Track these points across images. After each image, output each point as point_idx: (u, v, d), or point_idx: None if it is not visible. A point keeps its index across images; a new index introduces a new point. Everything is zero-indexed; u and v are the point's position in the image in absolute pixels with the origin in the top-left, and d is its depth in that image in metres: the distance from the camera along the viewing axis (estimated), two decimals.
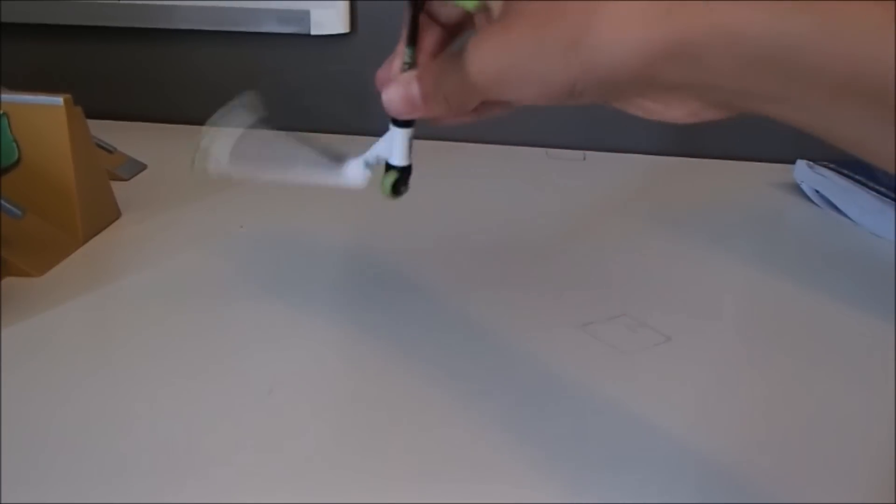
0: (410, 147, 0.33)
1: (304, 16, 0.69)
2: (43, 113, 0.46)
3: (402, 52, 0.31)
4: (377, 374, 0.36)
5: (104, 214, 0.51)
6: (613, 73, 0.25)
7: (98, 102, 0.56)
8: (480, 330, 0.39)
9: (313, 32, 0.69)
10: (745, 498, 0.29)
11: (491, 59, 0.27)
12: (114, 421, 0.32)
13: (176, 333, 0.39)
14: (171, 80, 0.75)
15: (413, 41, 0.31)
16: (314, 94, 0.74)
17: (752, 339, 0.41)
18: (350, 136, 0.72)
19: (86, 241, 0.48)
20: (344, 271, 0.48)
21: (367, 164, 0.34)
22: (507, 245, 0.49)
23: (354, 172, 0.35)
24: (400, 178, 0.33)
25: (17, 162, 0.47)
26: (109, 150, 0.59)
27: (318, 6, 0.68)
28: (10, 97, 0.47)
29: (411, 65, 0.31)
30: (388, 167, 0.33)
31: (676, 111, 0.27)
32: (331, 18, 0.69)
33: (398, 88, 0.30)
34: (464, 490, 0.29)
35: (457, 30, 0.33)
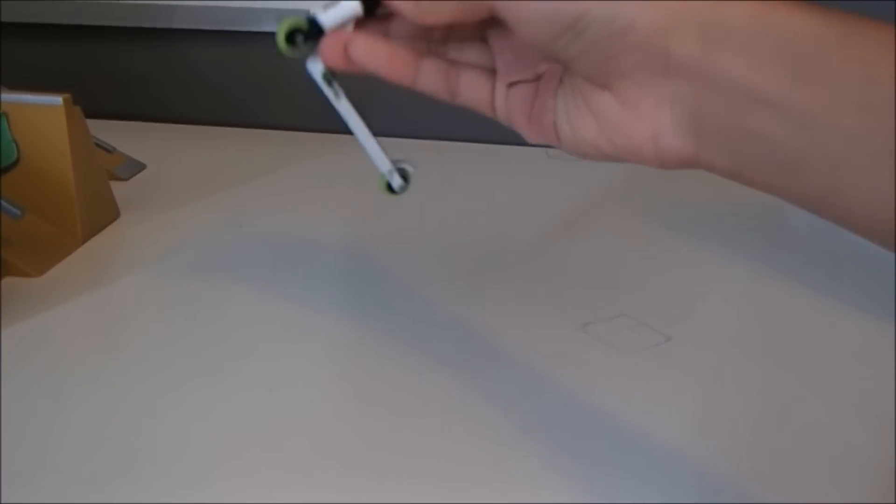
0: (345, 24, 0.28)
1: (304, 15, 0.69)
2: (42, 112, 0.46)
3: None
4: (377, 374, 0.36)
5: (103, 214, 0.51)
6: (633, 17, 0.23)
7: (97, 102, 0.56)
8: (480, 329, 0.39)
9: None
10: (745, 498, 0.29)
11: None
12: (114, 421, 0.32)
13: (175, 333, 0.39)
14: (170, 79, 0.75)
15: None
16: (314, 93, 0.74)
17: (751, 339, 0.41)
18: (350, 136, 0.72)
19: (85, 240, 0.48)
20: (344, 271, 0.48)
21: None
22: (506, 245, 0.49)
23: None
24: (307, 32, 0.28)
25: (17, 162, 0.47)
26: (109, 150, 0.59)
27: (319, 6, 0.68)
28: (9, 97, 0.47)
29: None
30: (306, 18, 0.29)
31: (642, 128, 0.25)
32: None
33: None
34: (463, 490, 0.29)
35: None
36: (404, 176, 0.32)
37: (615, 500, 0.29)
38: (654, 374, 0.36)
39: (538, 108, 0.28)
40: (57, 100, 0.46)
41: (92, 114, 0.50)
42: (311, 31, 0.28)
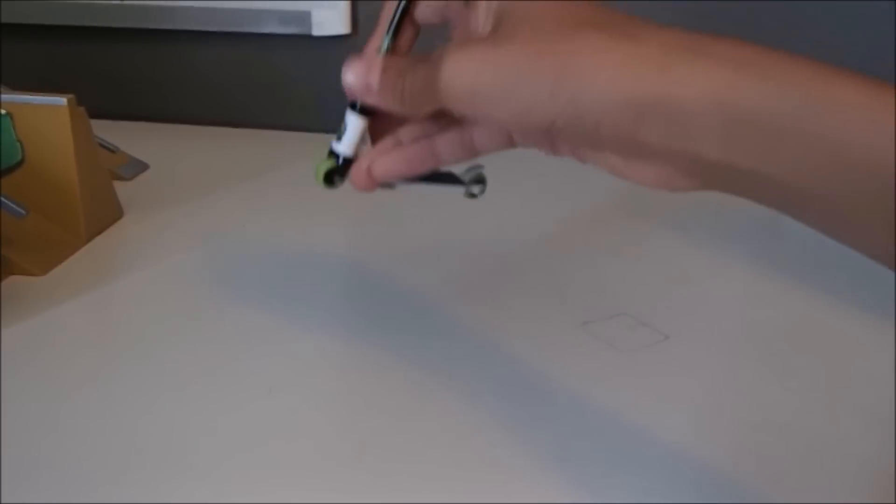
0: (360, 140, 0.31)
1: (306, 17, 0.69)
2: (46, 113, 0.47)
3: (376, 39, 0.31)
4: (377, 374, 0.36)
5: (107, 214, 0.51)
6: (597, 121, 0.24)
7: (101, 103, 0.56)
8: (479, 329, 0.40)
9: (314, 33, 0.69)
10: (745, 497, 0.29)
11: (472, 70, 0.26)
12: (115, 420, 0.32)
13: (178, 333, 0.39)
14: (173, 80, 0.76)
15: (396, 31, 0.30)
16: (315, 94, 0.74)
17: (750, 338, 0.41)
18: None
19: (88, 240, 0.48)
20: (344, 271, 0.48)
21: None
22: (506, 244, 0.49)
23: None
24: (337, 168, 0.31)
25: (21, 162, 0.47)
26: (112, 150, 0.60)
27: (320, 7, 0.69)
28: (13, 97, 0.47)
29: (385, 53, 0.30)
30: (330, 153, 0.32)
31: (648, 174, 0.26)
32: (332, 19, 0.69)
33: (360, 67, 0.29)
34: (462, 489, 0.29)
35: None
36: (481, 179, 0.34)
37: (614, 500, 0.29)
38: (652, 372, 0.37)
39: (552, 147, 0.29)
40: (61, 100, 0.46)
41: (95, 114, 0.50)
42: (341, 165, 0.31)
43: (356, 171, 0.31)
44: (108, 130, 0.58)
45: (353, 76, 0.30)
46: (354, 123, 0.31)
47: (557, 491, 0.29)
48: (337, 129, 0.31)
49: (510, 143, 0.31)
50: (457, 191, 0.34)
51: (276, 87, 0.74)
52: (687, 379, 0.36)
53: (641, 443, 0.32)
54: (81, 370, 0.36)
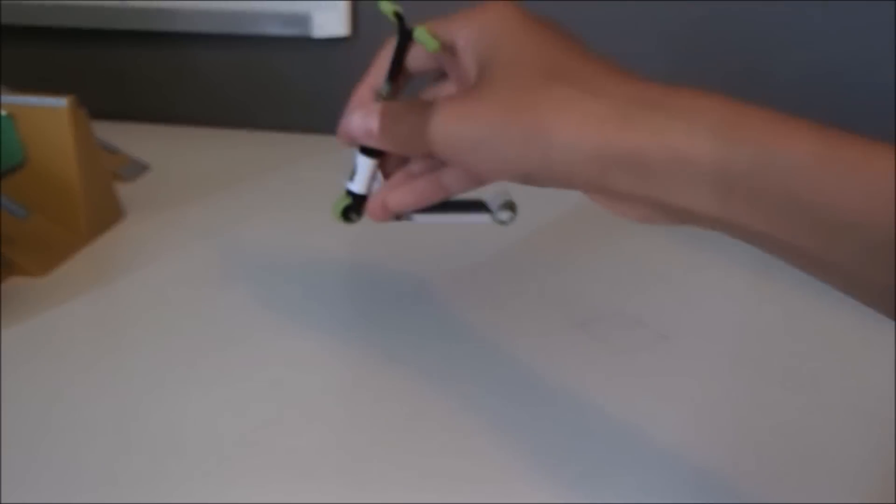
0: (372, 178, 0.34)
1: (306, 18, 0.69)
2: (47, 114, 0.47)
3: (371, 79, 0.33)
4: (377, 374, 0.36)
5: (108, 215, 0.51)
6: (568, 172, 0.26)
7: (102, 104, 0.56)
8: (477, 329, 0.40)
9: (315, 35, 0.69)
10: (744, 497, 0.29)
11: (455, 124, 0.28)
12: (115, 421, 0.32)
13: (179, 333, 0.39)
14: (174, 82, 0.76)
15: (394, 76, 0.32)
16: (316, 96, 0.74)
17: (749, 338, 0.41)
18: None
19: (89, 241, 0.48)
20: (344, 271, 0.48)
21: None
22: (504, 244, 0.49)
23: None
24: (352, 205, 0.34)
25: (22, 163, 0.48)
26: (113, 151, 0.60)
27: (320, 9, 0.69)
28: (15, 99, 0.47)
29: (386, 99, 0.32)
30: (346, 192, 0.34)
31: (633, 214, 0.27)
32: (332, 21, 0.69)
33: (360, 115, 0.31)
34: (461, 489, 0.29)
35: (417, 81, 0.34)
36: (510, 206, 0.35)
37: (613, 500, 0.29)
38: (650, 372, 0.37)
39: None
40: (62, 102, 0.47)
41: (96, 115, 0.50)
42: (356, 202, 0.34)
43: (372, 204, 0.34)
44: (109, 131, 0.59)
45: (356, 123, 0.31)
46: (364, 164, 0.33)
47: (556, 491, 0.29)
48: (350, 170, 0.34)
49: (514, 181, 0.32)
50: (484, 220, 0.35)
51: (276, 88, 0.74)
52: (685, 379, 0.36)
53: (640, 443, 0.32)
54: (81, 371, 0.36)
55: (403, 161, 0.34)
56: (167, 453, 0.30)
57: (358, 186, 0.34)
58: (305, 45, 0.71)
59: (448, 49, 0.30)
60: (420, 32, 0.30)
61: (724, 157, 0.24)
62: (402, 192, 0.33)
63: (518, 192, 0.38)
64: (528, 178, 0.28)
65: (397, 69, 0.32)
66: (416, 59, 0.32)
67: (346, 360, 0.37)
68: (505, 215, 0.35)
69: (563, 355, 0.38)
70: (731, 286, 0.46)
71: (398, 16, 0.32)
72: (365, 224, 0.53)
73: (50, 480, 0.29)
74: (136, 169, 0.61)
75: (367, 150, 0.33)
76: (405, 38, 0.32)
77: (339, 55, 0.72)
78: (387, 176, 0.34)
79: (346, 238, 0.52)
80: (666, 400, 0.34)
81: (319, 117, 0.75)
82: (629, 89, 0.26)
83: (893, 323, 0.41)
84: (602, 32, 0.69)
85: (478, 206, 0.35)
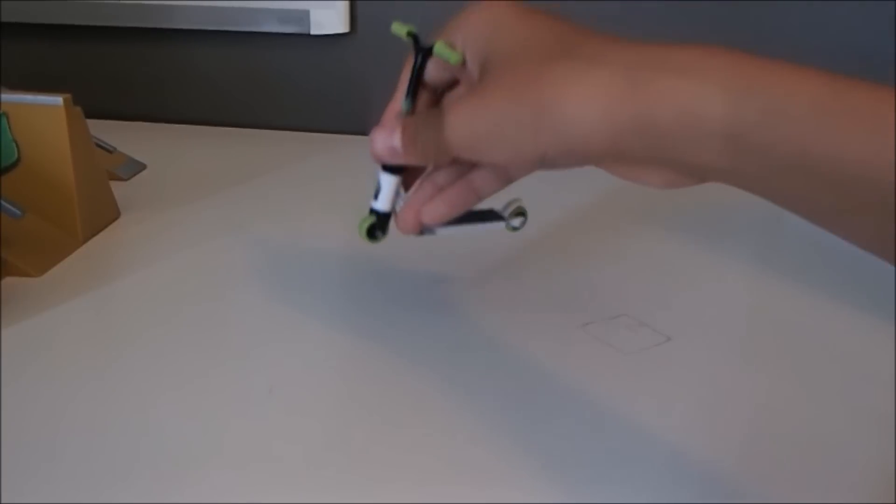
0: (396, 195, 0.34)
1: (304, 16, 0.69)
2: (43, 113, 0.46)
3: (398, 100, 0.33)
4: (376, 374, 0.36)
5: (104, 214, 0.51)
6: (582, 144, 0.26)
7: (98, 102, 0.56)
8: (479, 329, 0.39)
9: (313, 32, 0.69)
10: (745, 498, 0.29)
11: (466, 122, 0.28)
12: (113, 421, 0.32)
13: (175, 333, 0.39)
14: (171, 79, 0.75)
15: (414, 93, 0.33)
16: (314, 93, 0.74)
17: (751, 339, 0.41)
18: (350, 136, 0.73)
19: (85, 241, 0.48)
20: (344, 271, 0.48)
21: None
22: (506, 244, 0.49)
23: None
24: (377, 223, 0.35)
25: (17, 162, 0.47)
26: (109, 150, 0.59)
27: (318, 6, 0.68)
28: (9, 97, 0.47)
29: (406, 115, 0.33)
30: (371, 210, 0.35)
31: (653, 179, 0.27)
32: (331, 18, 0.69)
33: (383, 134, 0.32)
34: (461, 490, 0.29)
35: (443, 93, 0.34)
36: (521, 212, 0.37)
37: (614, 500, 0.29)
38: (653, 374, 0.36)
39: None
40: (57, 100, 0.46)
41: (92, 114, 0.50)
42: (381, 220, 0.34)
43: (403, 219, 0.34)
44: (105, 130, 0.58)
45: (379, 144, 0.32)
46: (388, 181, 0.34)
47: (558, 492, 0.29)
48: (375, 188, 0.34)
49: (534, 168, 0.32)
50: (498, 227, 0.37)
51: (274, 86, 0.74)
52: (689, 380, 0.36)
53: (643, 443, 0.32)
54: (78, 371, 0.36)
55: (420, 173, 0.35)
56: (165, 453, 0.30)
57: (382, 204, 0.34)
58: (304, 43, 0.71)
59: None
60: (440, 47, 0.31)
61: (734, 113, 0.23)
62: (435, 204, 0.33)
63: (519, 193, 0.38)
64: (545, 160, 0.28)
65: (415, 86, 0.33)
66: (430, 72, 0.33)
67: (345, 360, 0.37)
68: (517, 221, 0.37)
69: (565, 357, 0.37)
70: (734, 287, 0.46)
71: (412, 35, 0.33)
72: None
73: (49, 480, 0.29)
74: (133, 168, 0.61)
75: (388, 168, 0.34)
76: (421, 56, 0.32)
77: (338, 53, 0.71)
78: (407, 189, 0.35)
79: (345, 238, 0.52)
80: (669, 401, 0.34)
81: (318, 115, 0.74)
82: (631, 54, 0.26)
83: (894, 323, 0.41)
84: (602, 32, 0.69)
85: (491, 216, 0.36)
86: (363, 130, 0.81)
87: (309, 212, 0.54)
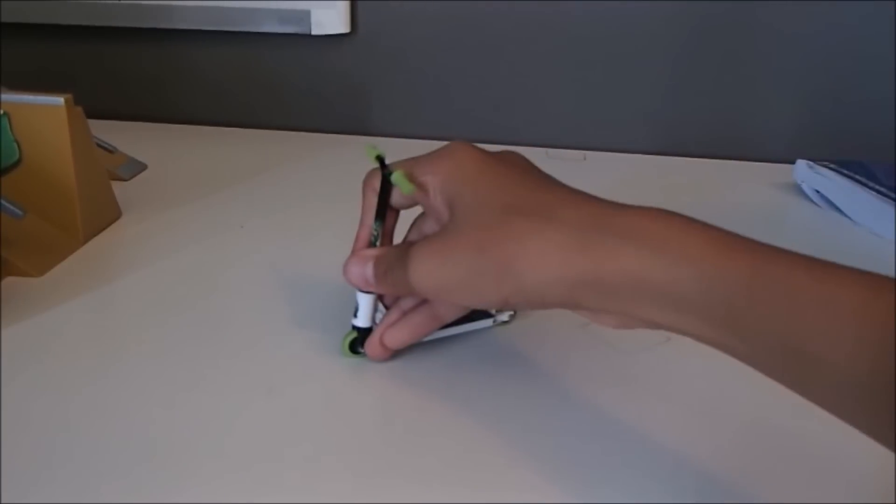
0: (375, 310, 0.36)
1: (305, 16, 0.69)
2: (44, 113, 0.46)
3: (368, 225, 0.35)
4: (376, 373, 0.36)
5: (105, 214, 0.51)
6: (540, 295, 0.28)
7: (99, 102, 0.56)
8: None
9: (314, 32, 0.69)
10: (745, 498, 0.29)
11: (432, 271, 0.30)
12: (114, 421, 0.32)
13: (176, 333, 0.39)
14: (171, 79, 0.75)
15: (383, 216, 0.35)
16: (314, 93, 0.74)
17: None
18: (350, 136, 0.73)
19: (86, 241, 0.48)
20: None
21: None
22: None
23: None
24: (359, 338, 0.36)
25: (18, 162, 0.47)
26: (110, 150, 0.59)
27: (319, 6, 0.68)
28: (10, 97, 0.47)
29: (377, 237, 0.35)
30: (352, 326, 0.36)
31: (610, 322, 0.29)
32: (331, 18, 0.69)
33: (358, 265, 0.34)
34: (461, 490, 0.29)
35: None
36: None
37: (614, 500, 0.29)
38: (653, 373, 0.37)
39: None
40: (58, 100, 0.46)
41: (93, 114, 0.50)
42: (362, 335, 0.36)
43: (370, 345, 0.36)
44: (106, 130, 0.58)
45: (354, 275, 0.34)
46: (365, 300, 0.35)
47: (558, 492, 0.29)
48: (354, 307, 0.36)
49: (493, 306, 0.35)
50: (485, 325, 0.38)
51: (274, 86, 0.74)
52: (688, 380, 0.36)
53: (643, 444, 0.32)
54: (79, 371, 0.36)
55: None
56: (165, 453, 0.30)
57: (362, 321, 0.36)
58: (304, 43, 0.71)
59: (422, 189, 0.32)
60: (397, 177, 0.33)
61: (673, 279, 0.26)
62: (398, 330, 0.35)
63: None
64: (506, 304, 0.30)
65: (383, 210, 0.35)
66: (395, 197, 0.35)
67: (344, 359, 0.37)
68: (505, 315, 0.39)
69: (565, 356, 0.37)
70: None
71: (380, 160, 0.34)
72: None
73: (49, 480, 0.29)
74: (133, 168, 0.61)
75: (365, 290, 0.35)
76: (387, 182, 0.34)
77: (338, 53, 0.71)
78: (387, 305, 0.36)
79: (345, 238, 0.52)
80: (668, 401, 0.34)
81: (318, 115, 0.75)
82: (582, 214, 0.28)
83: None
84: (603, 32, 0.69)
85: (479, 314, 0.38)
86: (363, 130, 0.81)
87: (309, 212, 0.55)
